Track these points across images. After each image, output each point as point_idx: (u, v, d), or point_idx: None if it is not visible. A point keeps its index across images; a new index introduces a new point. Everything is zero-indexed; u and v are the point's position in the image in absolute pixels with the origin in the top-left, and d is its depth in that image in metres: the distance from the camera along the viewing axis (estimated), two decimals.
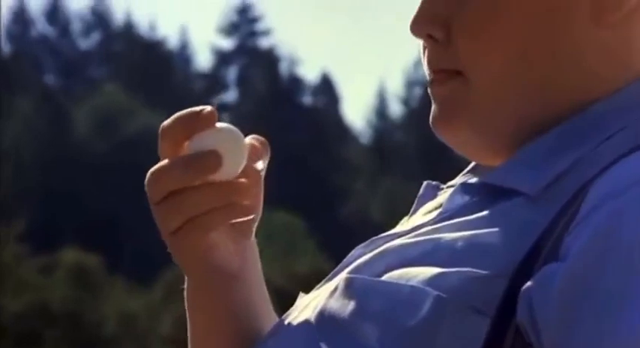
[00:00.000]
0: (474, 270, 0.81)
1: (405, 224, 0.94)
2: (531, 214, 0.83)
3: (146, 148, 36.07)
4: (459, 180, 0.95)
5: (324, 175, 38.54)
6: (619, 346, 0.73)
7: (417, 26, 0.91)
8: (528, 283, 0.77)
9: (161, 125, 0.91)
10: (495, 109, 0.89)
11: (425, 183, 0.97)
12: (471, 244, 0.83)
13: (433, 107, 0.92)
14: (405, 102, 44.77)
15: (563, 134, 0.87)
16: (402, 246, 0.87)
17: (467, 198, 0.88)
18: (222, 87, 46.36)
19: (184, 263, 0.93)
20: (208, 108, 0.88)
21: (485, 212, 0.85)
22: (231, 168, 0.84)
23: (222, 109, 46.76)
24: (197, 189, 0.87)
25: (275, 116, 40.94)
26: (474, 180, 0.91)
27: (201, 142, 0.82)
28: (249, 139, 0.91)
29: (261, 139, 0.92)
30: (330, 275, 0.93)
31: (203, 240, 0.90)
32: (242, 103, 45.55)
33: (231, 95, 46.54)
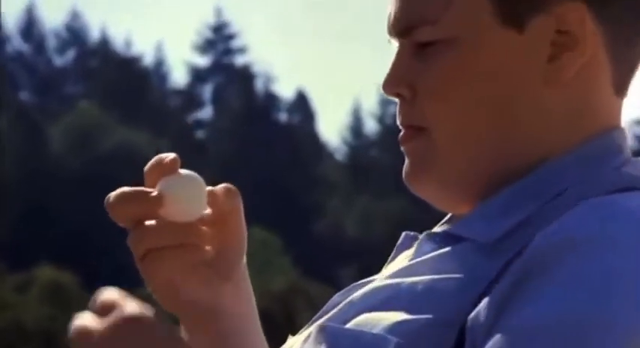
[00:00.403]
0: (430, 317, 0.87)
1: (383, 272, 0.99)
2: (484, 264, 0.89)
3: (122, 164, 35.99)
4: (436, 229, 1.00)
5: (299, 191, 38.54)
6: None
7: (387, 86, 0.97)
8: (471, 331, 0.85)
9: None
10: (457, 165, 0.95)
11: (404, 233, 1.01)
12: (428, 291, 0.89)
13: (405, 162, 0.99)
14: (380, 119, 44.89)
15: (519, 190, 0.93)
16: (371, 291, 0.93)
17: (432, 246, 0.95)
18: (198, 104, 46.35)
19: (152, 291, 0.96)
20: (172, 155, 0.93)
21: (444, 261, 0.92)
22: (189, 211, 0.89)
23: (198, 126, 46.81)
24: (156, 225, 0.91)
25: (250, 133, 40.92)
26: (440, 229, 0.98)
27: (165, 184, 0.88)
28: (218, 187, 0.94)
29: (231, 187, 0.95)
30: (309, 322, 0.98)
31: (161, 272, 0.92)
32: (218, 120, 45.51)
33: (206, 112, 46.58)
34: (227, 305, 0.93)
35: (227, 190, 0.94)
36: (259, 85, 45.55)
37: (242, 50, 46.14)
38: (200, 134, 45.69)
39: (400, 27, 0.96)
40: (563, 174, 0.93)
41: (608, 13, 0.94)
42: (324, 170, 41.04)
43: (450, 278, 0.89)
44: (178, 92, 46.52)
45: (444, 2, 0.94)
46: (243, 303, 0.95)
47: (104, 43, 45.25)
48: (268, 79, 46.97)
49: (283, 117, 46.49)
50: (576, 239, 0.85)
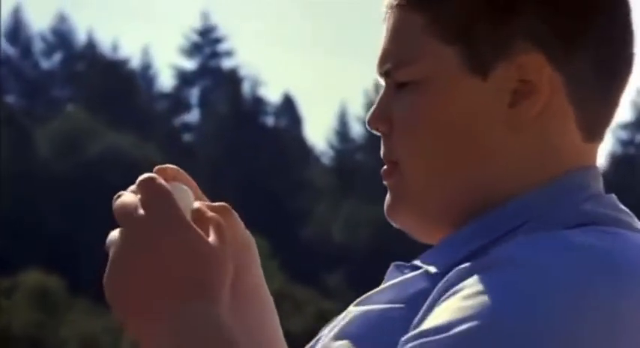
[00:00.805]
0: (381, 344, 0.95)
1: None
2: (429, 294, 0.95)
3: (109, 168, 35.92)
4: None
5: (286, 195, 38.51)
6: None
7: (370, 121, 1.06)
8: None
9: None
10: (426, 200, 1.03)
11: (392, 264, 1.06)
12: (377, 319, 0.98)
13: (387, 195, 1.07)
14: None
15: (481, 224, 1.01)
16: (342, 318, 1.01)
17: (399, 276, 1.03)
18: (185, 107, 46.31)
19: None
20: (172, 167, 1.05)
21: (398, 290, 1.00)
22: (189, 200, 1.01)
23: (185, 129, 46.69)
24: None
25: (237, 137, 40.88)
26: (414, 261, 1.05)
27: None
28: (215, 205, 1.03)
29: (222, 205, 1.03)
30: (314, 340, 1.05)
31: None
32: (205, 124, 45.45)
33: (193, 116, 46.52)
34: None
35: (220, 208, 1.03)
36: (246, 88, 45.56)
37: (229, 54, 46.15)
38: (187, 137, 45.65)
39: (383, 67, 1.05)
40: (524, 210, 1.00)
41: (568, 64, 1.02)
42: (311, 174, 41.04)
43: (397, 308, 0.98)
44: (165, 96, 46.50)
45: (419, 47, 1.02)
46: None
47: (91, 47, 45.20)
48: (255, 83, 46.97)
49: (270, 121, 46.48)
50: (500, 259, 0.93)
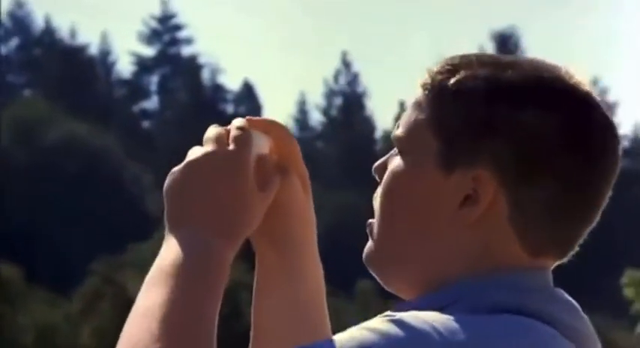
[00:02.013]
0: None
1: None
2: None
3: (66, 156, 35.65)
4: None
5: None
6: None
7: (374, 168, 1.26)
8: None
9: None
10: (385, 259, 1.22)
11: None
12: None
13: None
14: (325, 111, 44.93)
15: (423, 299, 1.18)
16: None
17: None
18: (144, 94, 46.05)
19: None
20: (266, 119, 1.28)
21: None
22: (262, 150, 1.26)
23: (144, 116, 46.45)
24: None
25: (197, 124, 40.57)
26: None
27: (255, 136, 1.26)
28: (281, 161, 1.27)
29: (284, 166, 1.27)
30: None
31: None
32: (163, 111, 45.24)
33: (152, 103, 46.29)
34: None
35: (280, 166, 1.26)
36: (206, 76, 45.41)
37: (188, 41, 45.95)
38: (146, 124, 45.44)
39: (395, 131, 1.24)
40: (460, 292, 1.16)
41: (517, 192, 1.17)
42: None
43: None
44: (124, 82, 46.23)
45: (412, 124, 1.22)
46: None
47: (49, 33, 44.82)
48: (215, 71, 46.82)
49: (230, 108, 46.34)
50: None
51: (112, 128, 37.64)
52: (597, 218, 1.19)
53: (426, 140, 1.20)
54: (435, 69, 1.22)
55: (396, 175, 1.21)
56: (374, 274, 1.24)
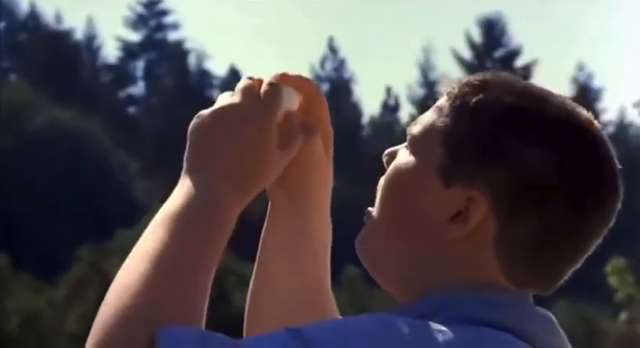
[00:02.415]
0: None
1: None
2: None
3: (52, 142, 35.53)
4: None
5: None
6: None
7: (384, 153, 1.27)
8: None
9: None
10: (377, 253, 1.24)
11: None
12: None
13: None
14: None
15: (406, 305, 1.20)
16: None
17: None
18: (130, 80, 45.92)
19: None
20: (299, 77, 1.28)
21: None
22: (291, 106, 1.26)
23: (130, 102, 46.28)
24: None
25: (183, 110, 40.56)
26: None
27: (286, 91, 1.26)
28: (309, 120, 1.29)
29: (311, 126, 1.28)
30: None
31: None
32: (149, 96, 45.14)
33: (138, 88, 46.16)
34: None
35: (307, 125, 1.27)
36: (192, 61, 45.27)
37: (174, 26, 45.79)
38: (132, 110, 45.32)
39: (411, 125, 1.25)
40: (441, 303, 1.18)
41: (506, 225, 1.18)
42: None
43: None
44: (110, 68, 46.05)
45: (428, 127, 1.22)
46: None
47: (33, 17, 44.59)
48: (201, 56, 46.73)
49: (216, 94, 46.00)
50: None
51: (98, 114, 37.51)
52: (583, 260, 1.21)
53: (434, 147, 1.21)
54: (465, 80, 1.23)
55: (400, 171, 1.22)
56: (362, 262, 1.25)
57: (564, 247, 1.19)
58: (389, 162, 1.25)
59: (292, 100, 1.24)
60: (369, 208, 1.25)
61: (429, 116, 1.24)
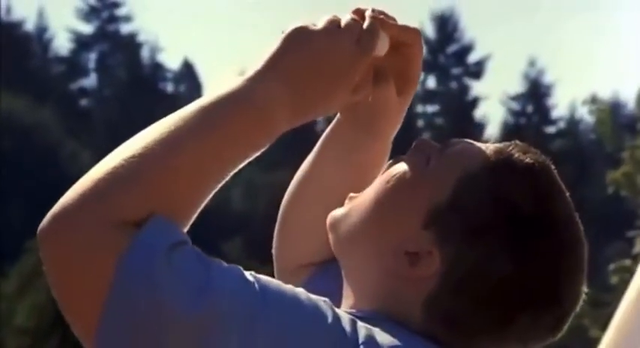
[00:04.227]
0: None
1: None
2: None
3: (2, 134, 35.12)
4: None
5: None
6: None
7: (422, 141, 1.28)
8: None
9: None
10: (345, 236, 1.25)
11: None
12: None
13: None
14: None
15: (364, 313, 1.20)
16: None
17: None
18: (82, 72, 45.50)
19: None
20: (399, 26, 1.28)
21: None
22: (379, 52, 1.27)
23: (82, 94, 45.90)
24: None
25: (135, 102, 40.35)
26: None
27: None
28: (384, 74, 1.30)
29: (389, 82, 1.30)
30: None
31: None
32: (102, 89, 44.75)
33: (90, 80, 45.76)
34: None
35: (381, 76, 1.29)
36: (145, 54, 44.98)
37: (127, 18, 45.47)
38: (84, 103, 44.92)
39: (433, 144, 1.26)
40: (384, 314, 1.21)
41: (445, 295, 1.19)
42: None
43: None
44: (61, 59, 45.61)
45: (461, 159, 1.23)
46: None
47: None
48: (154, 49, 46.41)
49: (169, 87, 46.00)
50: None
51: (50, 106, 37.17)
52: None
53: (440, 188, 1.20)
54: (503, 146, 1.23)
55: (403, 178, 1.23)
56: (329, 231, 1.26)
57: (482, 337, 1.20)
58: (419, 151, 1.24)
59: (382, 48, 1.24)
60: (352, 194, 1.26)
61: (470, 151, 1.23)
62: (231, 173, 1.16)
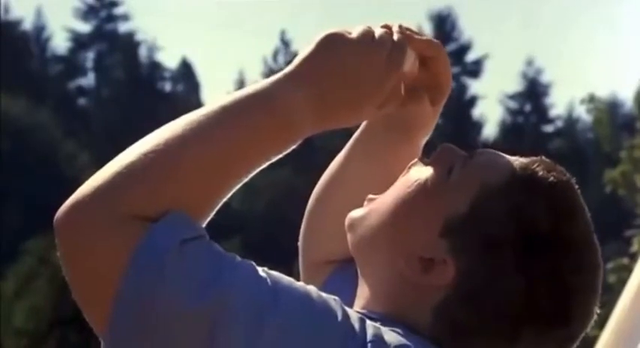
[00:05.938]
0: None
1: None
2: None
3: (0, 134, 35.06)
4: None
5: None
6: None
7: (448, 147, 1.28)
8: None
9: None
10: (363, 236, 1.25)
11: None
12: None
13: None
14: None
15: (378, 315, 1.21)
16: None
17: None
18: (80, 71, 45.47)
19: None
20: (425, 40, 1.29)
21: None
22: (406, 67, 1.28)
23: (80, 93, 45.84)
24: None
25: (134, 101, 40.34)
26: None
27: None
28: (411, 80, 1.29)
29: (419, 93, 1.30)
30: None
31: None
32: (100, 88, 44.74)
33: (88, 80, 45.74)
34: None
35: (412, 92, 1.29)
36: (143, 53, 44.98)
37: (125, 18, 45.46)
38: (82, 102, 44.90)
39: (460, 155, 1.26)
40: (397, 319, 1.21)
41: (456, 305, 1.19)
42: None
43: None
44: (59, 59, 45.58)
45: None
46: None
47: None
48: (152, 48, 46.40)
49: (167, 86, 46.00)
50: None
51: (47, 106, 37.13)
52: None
53: (461, 198, 1.21)
54: (528, 162, 1.23)
55: (424, 185, 1.23)
56: (349, 236, 1.27)
57: None
58: (442, 158, 1.24)
59: (409, 63, 1.25)
60: (371, 196, 1.27)
61: (495, 164, 1.23)
62: (252, 174, 1.17)
